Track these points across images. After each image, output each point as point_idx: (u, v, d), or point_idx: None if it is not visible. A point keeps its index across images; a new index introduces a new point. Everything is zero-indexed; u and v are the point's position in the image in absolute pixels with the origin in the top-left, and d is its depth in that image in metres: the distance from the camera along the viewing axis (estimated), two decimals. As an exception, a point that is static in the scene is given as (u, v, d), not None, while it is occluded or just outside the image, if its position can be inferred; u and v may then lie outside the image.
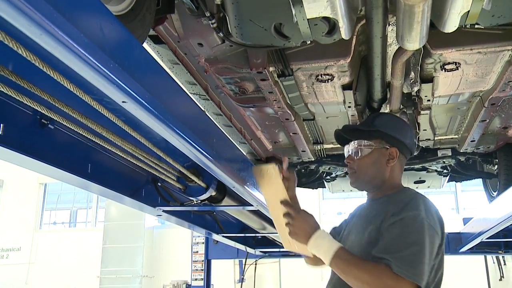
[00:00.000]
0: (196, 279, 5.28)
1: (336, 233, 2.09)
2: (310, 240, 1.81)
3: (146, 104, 1.27)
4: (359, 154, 1.97)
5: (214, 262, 5.46)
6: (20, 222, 12.09)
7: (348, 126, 2.10)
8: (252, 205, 2.47)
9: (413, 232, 1.69)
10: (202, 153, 1.69)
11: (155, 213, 2.69)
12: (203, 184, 2.25)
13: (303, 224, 1.85)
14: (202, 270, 5.29)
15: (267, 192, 2.06)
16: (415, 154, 3.65)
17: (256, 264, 5.79)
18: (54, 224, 13.25)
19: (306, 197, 9.72)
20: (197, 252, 5.36)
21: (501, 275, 5.64)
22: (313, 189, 4.89)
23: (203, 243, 5.36)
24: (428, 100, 2.64)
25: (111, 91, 1.15)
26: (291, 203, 1.93)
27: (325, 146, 3.66)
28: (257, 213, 3.30)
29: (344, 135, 2.07)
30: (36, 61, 1.11)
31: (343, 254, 1.74)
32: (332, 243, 1.78)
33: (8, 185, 12.38)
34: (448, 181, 4.58)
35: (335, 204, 12.49)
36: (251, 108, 2.87)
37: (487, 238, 3.83)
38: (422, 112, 2.81)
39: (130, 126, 1.67)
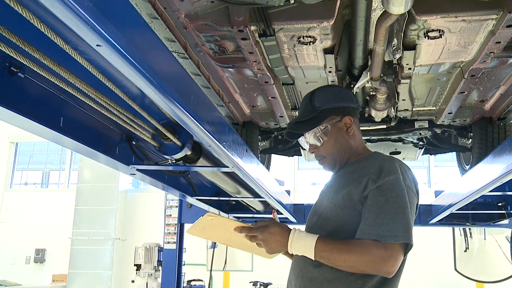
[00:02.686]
0: (168, 242, 5.27)
1: None
2: (288, 246, 1.81)
3: (122, 50, 1.21)
4: (321, 141, 1.98)
5: (187, 226, 5.46)
6: (-11, 181, 11.88)
7: (293, 121, 2.10)
8: (227, 167, 2.45)
9: (396, 197, 1.72)
10: (179, 108, 1.65)
11: (128, 171, 2.64)
12: (178, 143, 2.21)
13: (273, 237, 1.84)
14: (174, 233, 5.28)
15: (218, 235, 2.10)
16: (392, 124, 3.67)
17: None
18: (25, 184, 13.03)
19: (282, 168, 9.76)
20: (170, 215, 5.34)
21: (467, 246, 5.83)
22: (289, 156, 4.90)
23: (176, 206, 5.34)
24: (410, 69, 2.62)
25: (84, 32, 1.09)
26: (247, 225, 1.92)
27: (303, 112, 3.63)
28: (232, 176, 3.28)
29: (297, 132, 2.06)
30: (4, -5, 1.04)
31: (324, 245, 1.74)
32: (308, 239, 1.78)
33: (-23, 144, 12.09)
34: (422, 154, 4.64)
35: (309, 174, 12.59)
36: (230, 69, 2.81)
37: (456, 210, 3.91)
38: (402, 81, 2.80)
39: (105, 77, 1.61)
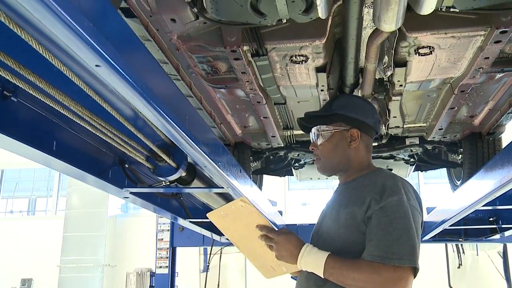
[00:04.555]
0: (160, 267, 5.21)
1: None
2: (298, 259, 1.79)
3: (121, 70, 1.21)
4: (321, 140, 1.97)
5: (179, 251, 5.40)
6: (-25, 209, 11.64)
7: (309, 113, 2.11)
8: (222, 187, 2.43)
9: (400, 218, 1.69)
10: (174, 128, 1.64)
11: (121, 194, 2.61)
12: (173, 164, 2.20)
13: (287, 245, 1.82)
14: (167, 257, 5.22)
15: (235, 228, 1.98)
16: (383, 142, 3.69)
17: (221, 253, 5.76)
18: (11, 212, 12.81)
19: (272, 188, 9.74)
20: (162, 239, 5.28)
21: (460, 263, 5.84)
22: (280, 176, 4.90)
23: (168, 230, 5.28)
24: (401, 85, 2.65)
25: (84, 52, 1.08)
26: (269, 226, 1.89)
27: (295, 132, 3.64)
28: (225, 197, 3.26)
29: (303, 123, 2.07)
30: (1, 15, 1.03)
31: (334, 262, 1.72)
32: (319, 255, 1.76)
33: (-38, 171, 11.88)
34: (414, 171, 4.67)
35: (300, 195, 12.58)
36: (222, 90, 2.81)
37: (449, 226, 3.92)
38: (393, 98, 2.82)
39: (101, 98, 1.60)
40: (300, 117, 2.11)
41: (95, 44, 1.08)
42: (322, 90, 2.69)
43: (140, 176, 2.81)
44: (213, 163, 2.02)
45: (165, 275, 5.17)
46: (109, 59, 1.15)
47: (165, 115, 1.55)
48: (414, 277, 1.69)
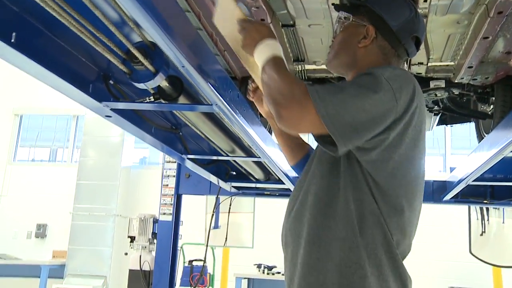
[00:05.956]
0: (164, 214, 5.00)
1: None
2: (257, 46, 1.58)
3: None
4: (338, 29, 1.75)
5: (184, 198, 5.19)
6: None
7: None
8: (210, 105, 2.14)
9: (356, 85, 1.42)
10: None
11: (102, 112, 2.35)
12: (151, 68, 1.90)
13: (254, 33, 1.62)
14: (171, 204, 5.01)
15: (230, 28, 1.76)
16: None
17: (230, 205, 5.55)
18: (32, 161, 12.89)
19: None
20: (167, 185, 5.06)
21: (483, 230, 5.48)
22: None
23: (174, 176, 5.06)
24: (425, 1, 2.27)
25: None
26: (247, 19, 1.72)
27: (307, 66, 3.29)
28: (225, 130, 3.00)
29: (335, 7, 1.83)
30: None
31: (278, 61, 1.52)
32: (275, 50, 1.55)
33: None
34: (438, 124, 4.28)
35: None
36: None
37: (473, 181, 3.56)
38: (417, 20, 2.45)
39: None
40: (336, 3, 1.88)
41: None
42: (333, 4, 2.33)
43: (128, 96, 2.54)
44: (190, 63, 1.71)
45: (169, 222, 4.96)
46: None
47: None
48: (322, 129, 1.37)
